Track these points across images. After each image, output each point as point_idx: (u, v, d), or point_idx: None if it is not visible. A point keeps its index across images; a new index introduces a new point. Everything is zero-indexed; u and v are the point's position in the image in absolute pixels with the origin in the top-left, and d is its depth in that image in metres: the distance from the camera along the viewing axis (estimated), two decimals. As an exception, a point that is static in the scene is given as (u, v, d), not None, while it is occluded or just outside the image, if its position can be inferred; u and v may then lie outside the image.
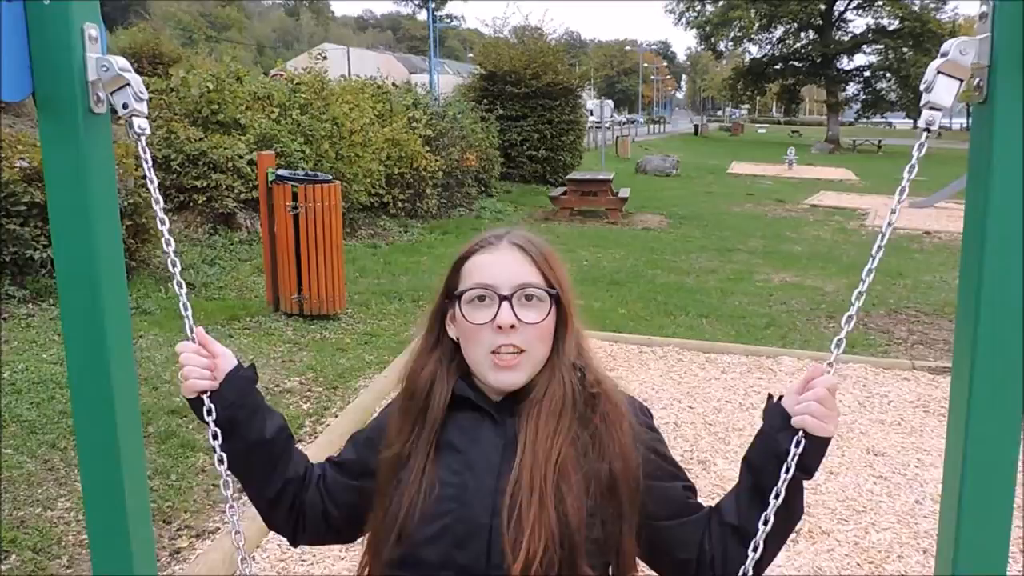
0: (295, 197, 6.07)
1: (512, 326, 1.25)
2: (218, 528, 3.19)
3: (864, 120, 54.30)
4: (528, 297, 1.28)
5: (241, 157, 8.77)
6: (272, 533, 3.10)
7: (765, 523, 1.23)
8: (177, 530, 3.19)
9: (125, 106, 1.43)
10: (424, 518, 1.24)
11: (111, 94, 1.46)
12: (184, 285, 1.45)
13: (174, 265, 1.46)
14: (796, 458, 1.21)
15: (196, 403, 1.38)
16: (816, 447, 1.22)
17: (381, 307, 6.81)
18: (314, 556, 2.98)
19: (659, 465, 1.33)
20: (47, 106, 1.44)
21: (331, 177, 6.58)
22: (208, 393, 1.37)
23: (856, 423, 4.42)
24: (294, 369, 5.11)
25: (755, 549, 1.24)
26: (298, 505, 1.43)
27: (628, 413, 1.31)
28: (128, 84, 1.44)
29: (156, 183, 1.46)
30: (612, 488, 1.25)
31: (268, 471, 1.41)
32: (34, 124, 11.80)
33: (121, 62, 1.44)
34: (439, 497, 1.24)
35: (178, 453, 3.81)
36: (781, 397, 1.29)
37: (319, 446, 3.84)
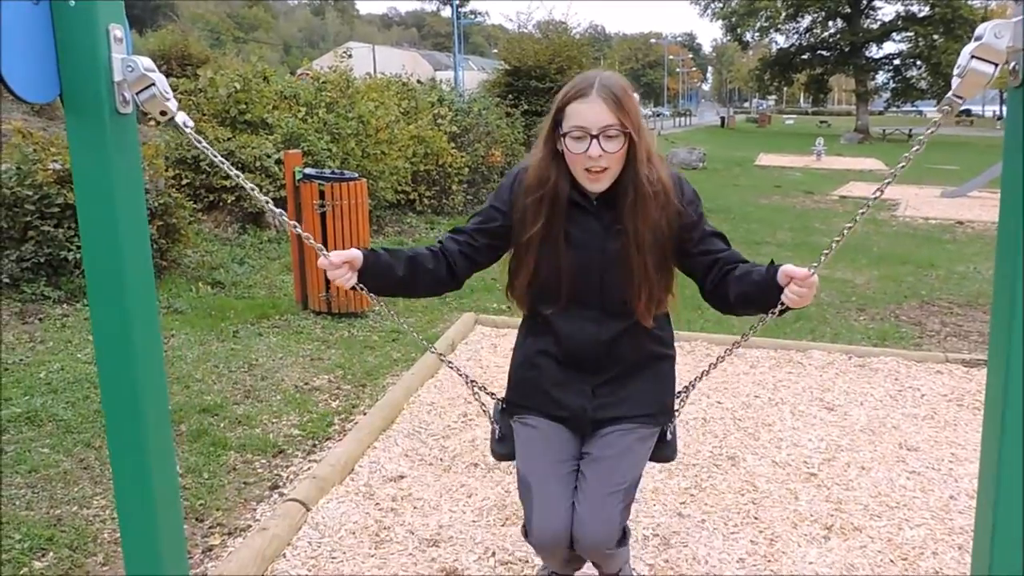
0: (322, 195, 6.10)
1: (599, 155, 1.98)
2: (249, 526, 3.22)
3: (894, 109, 53.59)
4: (609, 135, 1.98)
5: (269, 156, 8.84)
6: (303, 531, 3.12)
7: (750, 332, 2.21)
8: (209, 528, 3.22)
9: (164, 112, 1.45)
10: (557, 273, 2.12)
11: (137, 94, 1.47)
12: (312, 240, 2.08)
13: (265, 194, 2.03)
14: (778, 311, 2.00)
15: (354, 288, 2.05)
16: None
17: (407, 304, 6.82)
18: (344, 554, 2.99)
19: (687, 226, 2.16)
20: (74, 107, 1.46)
21: (357, 175, 6.60)
22: (358, 283, 2.04)
23: (888, 417, 4.36)
24: (323, 367, 5.13)
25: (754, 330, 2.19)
26: (446, 279, 2.19)
27: (674, 197, 2.11)
28: (153, 84, 1.45)
29: (224, 161, 1.82)
30: (664, 241, 2.12)
31: (414, 286, 2.17)
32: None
33: (146, 62, 1.45)
34: (568, 260, 2.11)
35: (209, 451, 3.85)
36: (780, 270, 1.98)
37: (348, 444, 3.86)
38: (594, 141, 1.95)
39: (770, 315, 2.00)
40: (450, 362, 2.43)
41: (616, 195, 2.08)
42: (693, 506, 3.35)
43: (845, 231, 1.87)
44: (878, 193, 1.82)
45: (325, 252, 1.97)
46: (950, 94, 1.23)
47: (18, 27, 1.35)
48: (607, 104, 1.96)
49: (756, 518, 3.26)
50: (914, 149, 1.51)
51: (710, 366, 2.37)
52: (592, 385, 2.18)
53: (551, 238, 2.09)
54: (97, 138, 1.46)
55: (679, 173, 2.20)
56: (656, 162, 2.09)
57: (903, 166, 1.61)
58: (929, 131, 1.43)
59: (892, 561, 2.96)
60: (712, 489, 3.50)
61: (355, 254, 2.02)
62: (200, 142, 1.58)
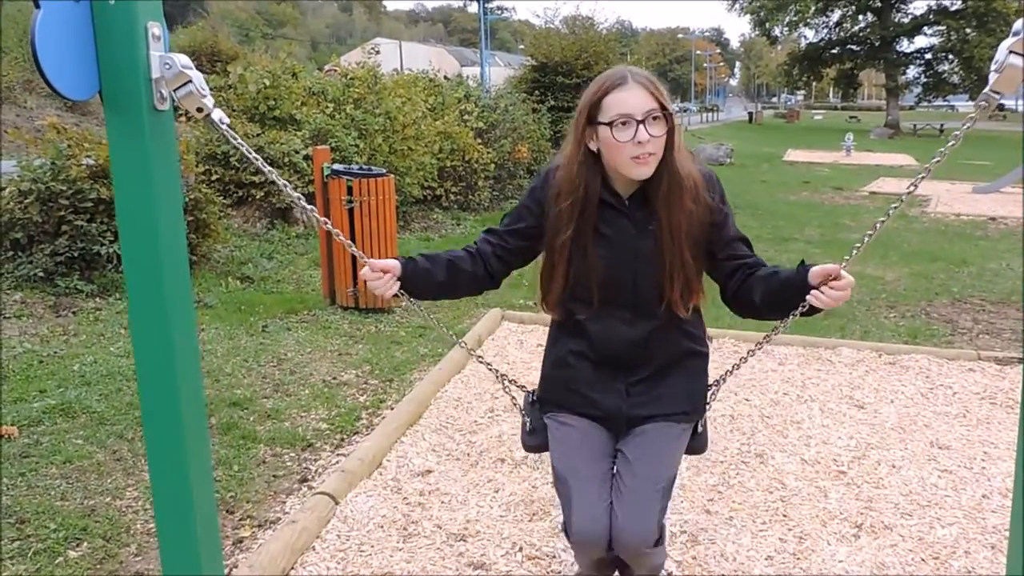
0: (350, 191, 6.13)
1: (648, 139, 1.97)
2: (279, 519, 3.26)
3: (925, 104, 52.74)
4: (655, 119, 1.98)
5: (297, 152, 8.90)
6: (331, 523, 3.15)
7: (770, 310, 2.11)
8: (240, 520, 3.26)
9: (200, 109, 1.47)
10: (588, 275, 2.11)
11: (174, 91, 1.49)
12: (330, 224, 2.11)
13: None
14: (805, 309, 2.00)
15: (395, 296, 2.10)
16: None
17: (433, 301, 6.85)
18: (372, 547, 3.02)
19: (717, 225, 2.15)
20: (113, 104, 1.48)
21: (385, 171, 6.63)
22: (400, 291, 2.09)
23: (919, 415, 4.31)
24: (350, 362, 5.17)
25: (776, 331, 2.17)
26: (484, 279, 2.23)
27: (705, 192, 2.10)
28: (190, 81, 1.47)
29: (258, 157, 1.81)
30: (697, 232, 2.10)
31: (454, 289, 2.24)
32: (99, 122, 12.16)
33: (183, 60, 1.47)
34: (601, 263, 2.10)
35: (239, 444, 3.89)
36: (810, 270, 1.98)
37: (375, 438, 3.88)
38: (641, 126, 1.95)
39: (792, 316, 2.01)
40: (479, 356, 2.44)
41: (648, 191, 2.07)
42: (721, 503, 3.34)
43: (878, 225, 1.88)
44: (912, 188, 1.82)
45: (367, 259, 2.03)
46: (987, 89, 1.22)
47: (59, 26, 1.38)
48: (646, 89, 1.98)
49: (785, 516, 3.24)
50: (950, 144, 1.49)
51: (741, 360, 2.34)
52: (626, 384, 2.19)
53: (582, 241, 2.09)
54: (135, 134, 1.48)
55: (711, 170, 2.20)
56: (686, 154, 2.10)
57: (938, 161, 1.59)
58: (965, 126, 1.41)
59: (923, 560, 2.93)
60: (740, 486, 3.49)
61: (394, 263, 2.06)
62: (235, 138, 1.60)
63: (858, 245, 1.91)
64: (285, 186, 1.83)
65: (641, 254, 2.09)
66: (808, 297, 1.94)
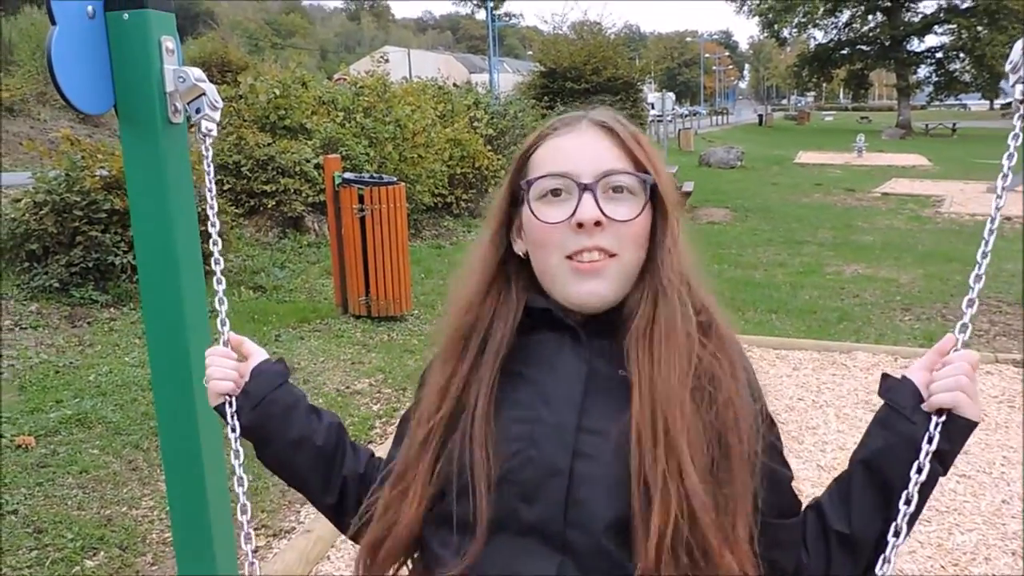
0: (361, 200, 6.15)
1: (597, 223, 0.97)
2: (293, 528, 3.26)
3: (937, 103, 52.50)
4: (617, 188, 1.00)
5: (308, 161, 8.94)
6: (347, 531, 3.15)
7: (896, 535, 0.98)
8: (255, 529, 3.27)
9: (198, 110, 1.47)
10: (473, 468, 0.96)
11: (188, 104, 1.50)
12: (223, 281, 1.42)
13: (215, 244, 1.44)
14: (935, 441, 0.96)
15: (222, 409, 1.21)
16: (960, 432, 0.98)
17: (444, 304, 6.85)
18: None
19: (771, 441, 1.01)
20: (128, 117, 1.49)
21: (395, 179, 6.65)
22: (232, 396, 1.20)
23: (937, 418, 4.28)
24: (363, 371, 5.18)
25: (886, 563, 0.99)
26: (337, 494, 1.18)
27: (743, 358, 1.04)
28: (204, 94, 1.48)
29: (213, 182, 1.44)
30: (726, 454, 0.93)
31: (322, 472, 1.18)
32: (112, 134, 12.25)
33: (197, 73, 1.48)
34: (504, 437, 0.97)
35: (252, 454, 3.89)
36: (905, 373, 1.05)
37: (390, 447, 3.88)
38: (587, 195, 0.98)
39: (920, 477, 0.97)
40: None
41: (620, 316, 1.02)
42: None
43: (982, 267, 1.14)
44: (1000, 201, 1.18)
45: (222, 330, 1.32)
46: (1014, 81, 1.18)
47: (75, 41, 1.39)
48: (609, 137, 1.04)
49: (802, 521, 3.21)
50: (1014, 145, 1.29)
51: None
52: None
53: (472, 392, 1.02)
54: (150, 147, 1.49)
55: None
56: (696, 282, 1.06)
57: (1011, 171, 1.24)
58: (1018, 118, 1.23)
59: (943, 567, 2.90)
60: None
61: (258, 351, 1.27)
62: (207, 156, 1.42)
63: (969, 305, 1.09)
64: (214, 226, 1.42)
65: (593, 427, 0.96)
66: (936, 399, 0.99)
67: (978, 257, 1.15)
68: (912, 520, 0.99)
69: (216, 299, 1.37)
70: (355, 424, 4.28)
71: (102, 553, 3.04)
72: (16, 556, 2.97)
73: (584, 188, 0.98)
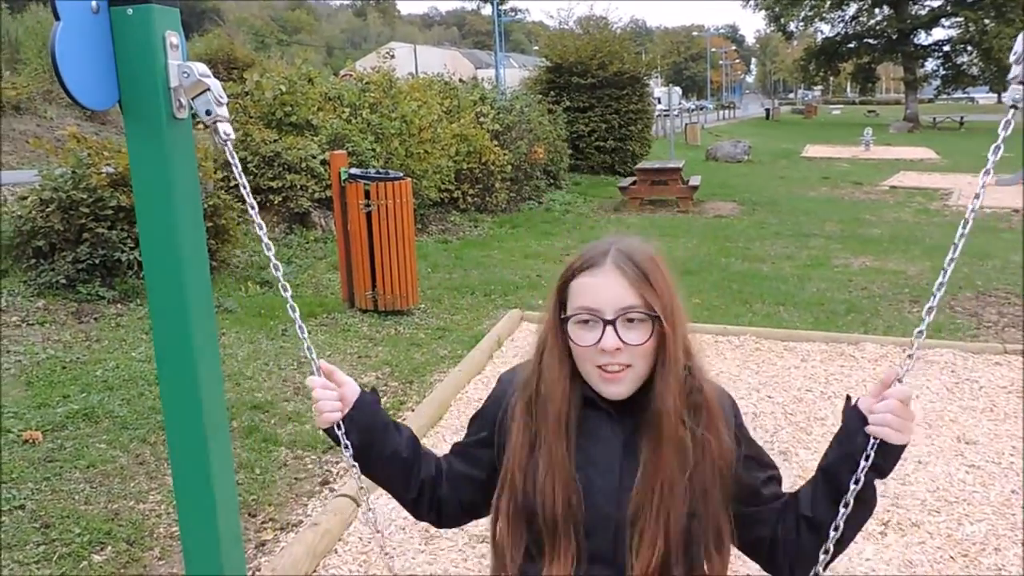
0: (367, 195, 6.15)
1: (616, 348, 1.34)
2: (301, 521, 3.27)
3: (944, 96, 52.24)
4: (630, 320, 1.36)
5: (314, 157, 8.95)
6: (353, 526, 3.16)
7: (836, 529, 1.33)
8: (262, 523, 3.28)
9: (208, 112, 1.47)
10: (554, 503, 1.36)
11: (192, 99, 1.50)
12: (296, 309, 1.62)
13: (276, 269, 1.59)
14: (870, 460, 1.30)
15: (331, 431, 1.49)
16: (892, 452, 1.31)
17: (453, 302, 6.86)
18: (395, 550, 3.02)
19: (746, 462, 1.43)
20: (132, 112, 1.49)
21: (402, 174, 6.65)
22: (341, 421, 1.48)
23: (946, 410, 4.26)
24: (370, 364, 5.18)
25: (826, 552, 1.36)
26: (436, 502, 1.54)
27: (726, 416, 1.43)
28: (208, 89, 1.48)
29: (247, 187, 1.56)
30: (710, 488, 1.36)
31: (405, 477, 1.52)
32: (119, 131, 12.27)
33: (201, 68, 1.48)
34: (571, 483, 1.37)
35: (261, 447, 3.91)
36: (859, 399, 1.37)
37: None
38: (609, 328, 1.34)
39: (859, 478, 1.31)
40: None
41: (644, 397, 1.39)
42: None
43: (948, 266, 1.38)
44: (976, 202, 1.34)
45: (316, 361, 1.56)
46: (1015, 83, 1.18)
47: (79, 37, 1.39)
48: (625, 277, 1.37)
49: (809, 514, 3.21)
50: (1000, 137, 1.34)
51: None
52: None
53: (545, 452, 1.39)
54: (155, 143, 1.49)
55: (728, 393, 1.52)
56: (697, 364, 1.44)
57: (988, 170, 1.37)
58: (1011, 115, 1.28)
59: (952, 558, 2.90)
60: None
61: (350, 380, 1.54)
62: (233, 156, 1.54)
63: (920, 330, 1.34)
64: (261, 228, 1.56)
65: (630, 482, 1.37)
66: (869, 428, 1.30)
67: (945, 263, 1.37)
68: (859, 519, 1.36)
69: (296, 327, 1.60)
70: (362, 419, 4.29)
71: (109, 547, 3.05)
72: (24, 551, 2.98)
73: (607, 323, 1.35)
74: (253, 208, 1.55)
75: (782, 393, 4.53)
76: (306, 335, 1.59)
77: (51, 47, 1.37)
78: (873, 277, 7.72)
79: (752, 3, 51.19)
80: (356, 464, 1.49)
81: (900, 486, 3.41)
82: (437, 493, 1.54)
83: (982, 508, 3.23)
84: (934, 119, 42.12)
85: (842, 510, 1.33)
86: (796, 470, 3.58)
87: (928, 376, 4.78)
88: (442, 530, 3.11)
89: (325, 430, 1.50)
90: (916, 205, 13.40)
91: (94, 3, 1.42)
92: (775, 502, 1.45)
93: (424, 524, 3.13)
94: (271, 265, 1.57)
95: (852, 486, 1.31)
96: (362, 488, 1.51)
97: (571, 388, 1.42)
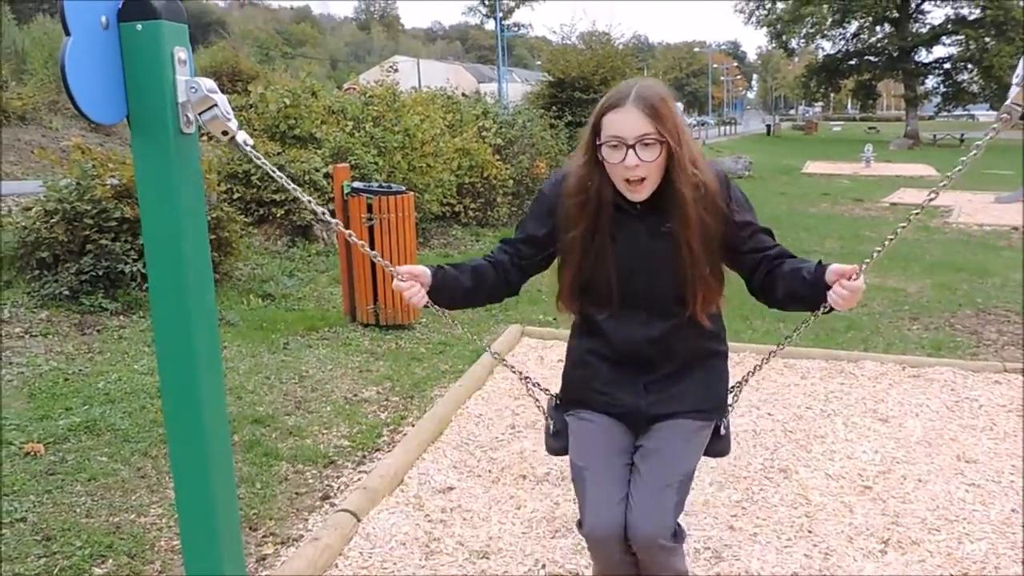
0: (370, 208, 6.17)
1: (636, 165, 1.97)
2: (301, 536, 3.27)
3: (945, 114, 52.34)
4: (646, 144, 1.96)
5: (317, 170, 8.98)
6: (354, 541, 3.16)
7: (796, 332, 2.27)
8: (263, 537, 3.27)
9: (225, 133, 1.50)
10: (604, 277, 2.12)
11: (200, 114, 1.52)
12: (378, 256, 2.24)
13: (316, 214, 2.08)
14: (825, 311, 2.02)
15: (427, 306, 2.12)
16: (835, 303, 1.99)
17: (454, 316, 6.85)
18: (395, 564, 3.02)
19: (735, 226, 2.14)
20: (140, 127, 1.51)
21: (404, 188, 6.67)
22: (429, 300, 2.10)
23: (945, 429, 4.26)
24: (371, 379, 5.19)
25: (786, 338, 2.28)
26: (504, 287, 2.26)
27: (720, 200, 2.09)
28: (216, 105, 1.50)
29: (276, 170, 1.83)
30: (713, 242, 2.10)
31: (479, 296, 2.25)
32: (123, 143, 12.32)
33: (208, 84, 1.50)
34: (614, 264, 2.11)
35: (262, 462, 3.91)
36: (828, 268, 1.99)
37: (397, 455, 3.89)
38: (630, 151, 1.95)
39: (814, 316, 2.05)
40: (504, 360, 2.53)
41: (660, 199, 2.06)
42: (745, 519, 3.31)
43: (898, 230, 1.94)
44: (933, 195, 1.85)
45: (394, 269, 2.05)
46: (1008, 102, 1.21)
47: (89, 52, 1.40)
48: (643, 112, 1.96)
49: (810, 531, 3.21)
50: (972, 154, 1.51)
51: (763, 360, 2.41)
52: (645, 382, 2.20)
53: (595, 242, 2.10)
54: (162, 157, 1.50)
55: (726, 175, 2.19)
56: (701, 166, 2.07)
57: (960, 169, 1.62)
58: (987, 137, 1.41)
59: (952, 577, 2.89)
60: (764, 502, 3.46)
61: (423, 270, 2.09)
62: (259, 158, 1.62)
63: (878, 249, 1.93)
64: (310, 202, 1.90)
65: (655, 257, 2.10)
66: (828, 295, 1.96)
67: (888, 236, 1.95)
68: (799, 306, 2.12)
69: (366, 251, 2.18)
70: (363, 432, 4.29)
71: (111, 561, 3.05)
72: (25, 563, 2.98)
73: (628, 146, 1.97)
74: (288, 184, 1.88)
75: (782, 410, 4.53)
76: (374, 252, 2.23)
77: (61, 62, 1.39)
78: (873, 294, 7.72)
79: (754, 20, 51.42)
80: (446, 311, 2.16)
81: (900, 504, 3.41)
82: (503, 281, 2.24)
83: (982, 527, 3.22)
84: (934, 136, 42.26)
85: (795, 305, 2.13)
86: (796, 488, 3.58)
87: (928, 395, 4.78)
88: (442, 547, 3.11)
89: (423, 306, 2.10)
90: (916, 222, 13.40)
91: (104, 19, 1.44)
92: (755, 255, 2.14)
93: (424, 539, 3.14)
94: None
95: (810, 314, 2.09)
96: (446, 314, 2.20)
97: (609, 195, 2.06)
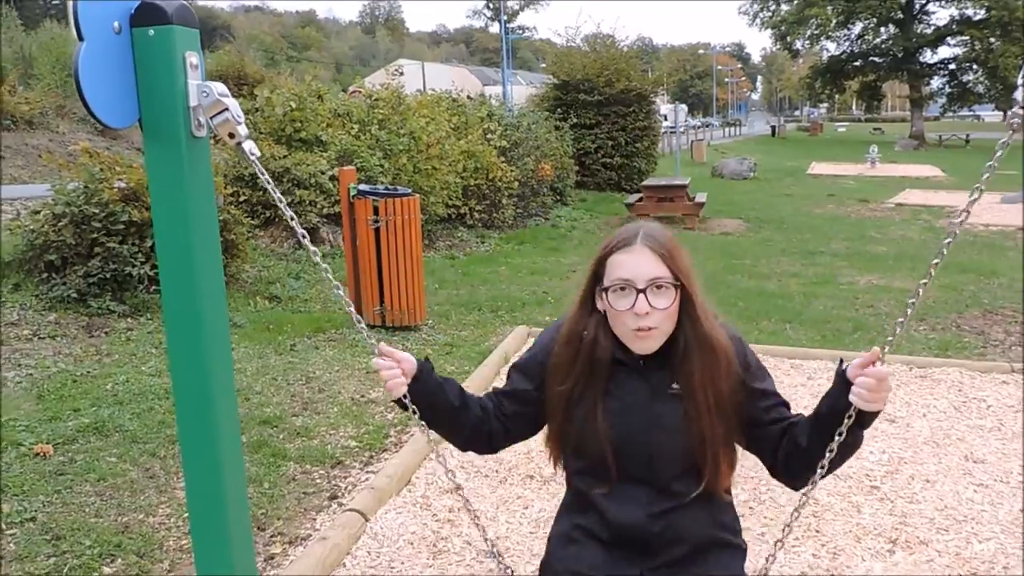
0: (376, 211, 6.19)
1: (647, 312, 1.68)
2: (309, 535, 3.28)
3: (950, 114, 52.24)
4: (659, 287, 1.69)
5: (323, 173, 9.00)
6: (361, 540, 3.17)
7: (823, 468, 1.69)
8: (271, 537, 3.29)
9: (232, 135, 1.51)
10: (596, 441, 1.75)
11: (211, 118, 1.53)
12: (361, 320, 1.91)
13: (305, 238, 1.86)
14: (851, 419, 1.62)
15: (399, 401, 1.80)
16: (868, 416, 1.63)
17: (460, 318, 6.88)
18: (402, 564, 3.03)
19: (752, 393, 1.79)
20: (152, 131, 1.52)
21: (410, 190, 6.69)
22: (408, 391, 1.78)
23: (953, 429, 4.26)
24: (378, 380, 5.18)
25: (814, 472, 1.71)
26: (485, 435, 1.89)
27: (736, 363, 1.77)
28: (227, 109, 1.51)
29: (278, 194, 1.75)
30: (727, 409, 1.75)
31: (459, 424, 1.86)
32: (130, 146, 12.37)
33: (220, 88, 1.51)
34: (610, 427, 1.74)
35: (270, 462, 3.93)
36: (848, 366, 1.66)
37: (404, 455, 3.90)
38: (641, 295, 1.68)
39: (839, 435, 1.64)
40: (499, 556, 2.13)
41: (667, 354, 1.76)
42: (753, 519, 3.32)
43: (942, 251, 1.62)
44: (966, 213, 1.63)
45: (377, 346, 1.79)
46: (1016, 107, 1.21)
47: (102, 57, 1.42)
48: (655, 253, 1.71)
49: (818, 531, 3.21)
50: (997, 154, 1.44)
51: (787, 530, 1.94)
52: (643, 570, 1.79)
53: (587, 400, 1.78)
54: (174, 161, 1.52)
55: (739, 334, 1.87)
56: (712, 321, 1.78)
57: (988, 177, 1.50)
58: (1005, 141, 1.37)
59: (960, 576, 2.89)
60: (772, 502, 3.46)
61: (408, 356, 1.80)
62: (264, 174, 1.62)
63: (901, 320, 1.66)
64: (291, 219, 1.74)
65: (659, 421, 1.75)
66: (850, 396, 1.61)
67: (923, 281, 1.62)
68: (845, 455, 1.69)
69: (354, 318, 1.88)
70: (369, 433, 4.31)
71: (119, 560, 3.07)
72: (35, 563, 3.00)
73: (639, 291, 1.68)
74: (281, 202, 1.74)
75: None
76: (363, 325, 1.90)
77: (74, 67, 1.40)
78: (879, 295, 7.72)
79: (758, 22, 51.37)
80: (424, 423, 1.81)
81: (908, 504, 3.41)
82: (487, 428, 1.88)
83: (990, 527, 3.23)
84: (940, 137, 42.17)
85: (827, 454, 1.67)
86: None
87: (935, 395, 4.78)
88: (449, 546, 3.13)
89: (395, 400, 1.81)
90: (922, 223, 13.41)
91: (117, 24, 1.46)
92: (776, 426, 1.78)
93: (432, 538, 3.15)
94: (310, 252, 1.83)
95: (837, 437, 1.64)
96: (431, 440, 1.84)
97: (607, 348, 1.76)
